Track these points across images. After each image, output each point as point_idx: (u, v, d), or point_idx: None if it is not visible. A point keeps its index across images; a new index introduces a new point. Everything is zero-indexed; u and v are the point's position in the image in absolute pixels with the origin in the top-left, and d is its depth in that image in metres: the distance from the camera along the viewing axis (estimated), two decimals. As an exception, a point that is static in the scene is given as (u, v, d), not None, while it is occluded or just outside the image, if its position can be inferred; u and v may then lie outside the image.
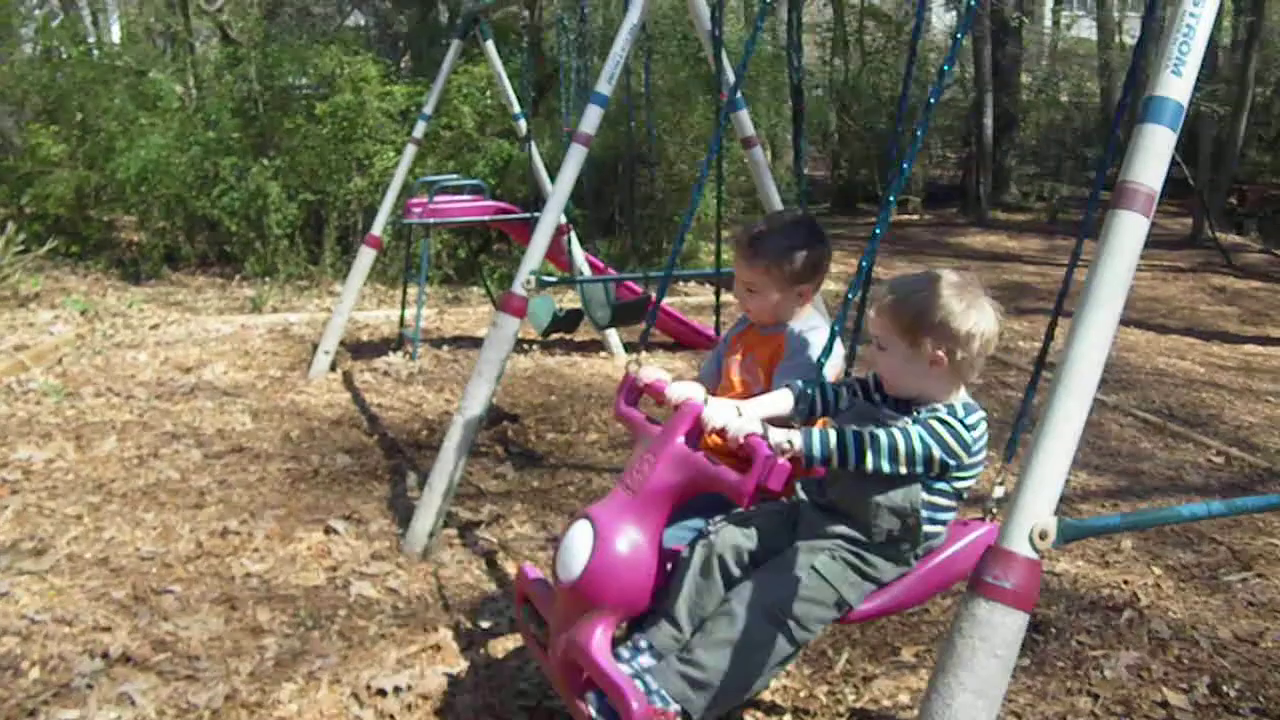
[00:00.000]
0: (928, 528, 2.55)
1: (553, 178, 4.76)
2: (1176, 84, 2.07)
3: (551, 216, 4.23)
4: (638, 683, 2.36)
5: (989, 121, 20.21)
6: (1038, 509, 2.00)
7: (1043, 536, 2.01)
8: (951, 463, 2.46)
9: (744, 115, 4.93)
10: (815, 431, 2.41)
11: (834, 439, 2.40)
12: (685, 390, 2.66)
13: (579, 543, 2.44)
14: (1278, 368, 9.85)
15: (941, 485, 2.54)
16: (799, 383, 2.70)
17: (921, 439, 2.42)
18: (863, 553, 2.55)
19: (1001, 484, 2.61)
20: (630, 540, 2.43)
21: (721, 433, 2.42)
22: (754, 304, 3.03)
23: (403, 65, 15.27)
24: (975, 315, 2.50)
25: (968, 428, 2.48)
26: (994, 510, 2.67)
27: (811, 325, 3.02)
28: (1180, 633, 3.89)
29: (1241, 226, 19.82)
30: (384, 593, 4.07)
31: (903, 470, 2.43)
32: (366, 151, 11.37)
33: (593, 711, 2.41)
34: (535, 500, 5.11)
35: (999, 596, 2.00)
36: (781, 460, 2.27)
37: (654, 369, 2.91)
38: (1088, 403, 2.03)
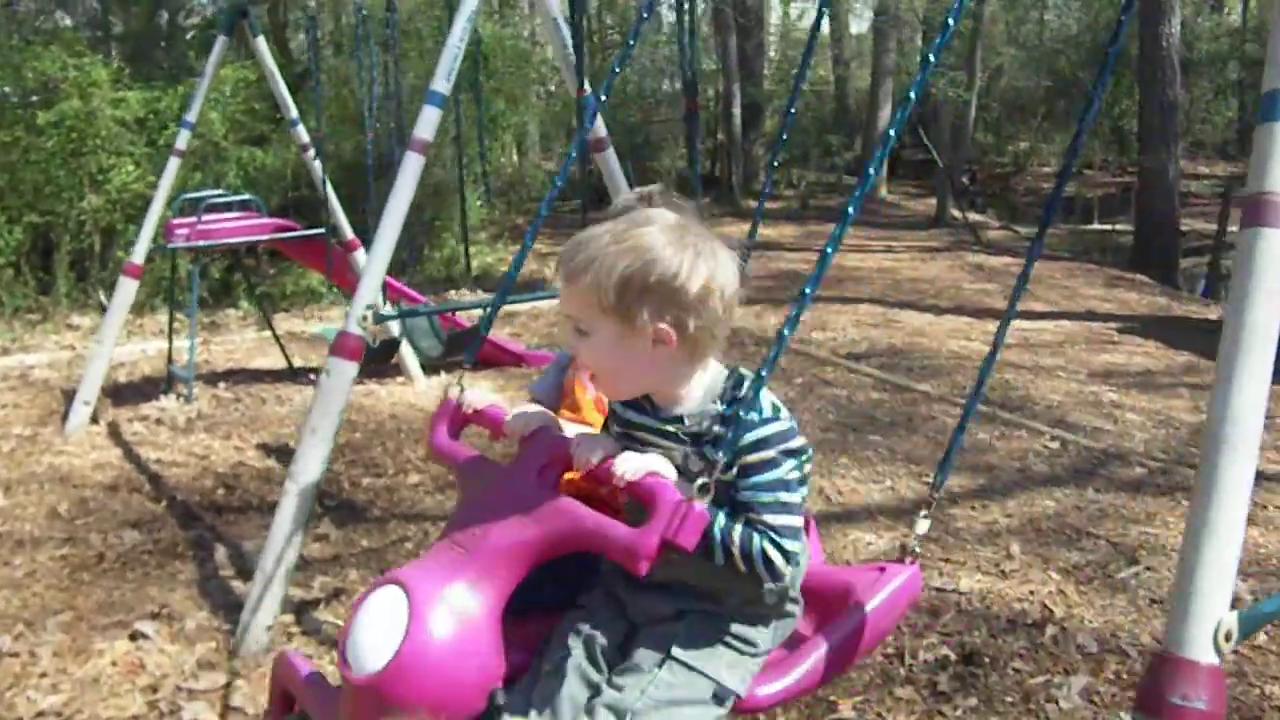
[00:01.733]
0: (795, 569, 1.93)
1: (310, 188, 4.05)
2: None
3: (388, 238, 3.60)
4: None
5: (737, 111, 20.51)
6: (1216, 603, 1.61)
7: (1228, 638, 1.61)
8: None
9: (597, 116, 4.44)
10: (732, 524, 1.78)
11: (751, 541, 1.77)
12: (533, 418, 2.00)
13: (383, 619, 1.72)
14: (1053, 341, 10.29)
15: None
16: (734, 522, 1.82)
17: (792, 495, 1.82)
18: (723, 625, 1.90)
19: (926, 517, 2.16)
20: (459, 614, 1.71)
21: (598, 472, 1.80)
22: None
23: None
24: (705, 265, 1.78)
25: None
26: (915, 549, 2.14)
27: None
28: (1106, 644, 3.73)
29: (975, 204, 21.01)
30: (228, 715, 3.33)
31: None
32: (100, 165, 10.09)
33: None
34: (371, 564, 4.45)
35: None
36: (698, 506, 1.66)
37: (481, 392, 2.25)
38: (1254, 463, 1.65)
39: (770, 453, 1.78)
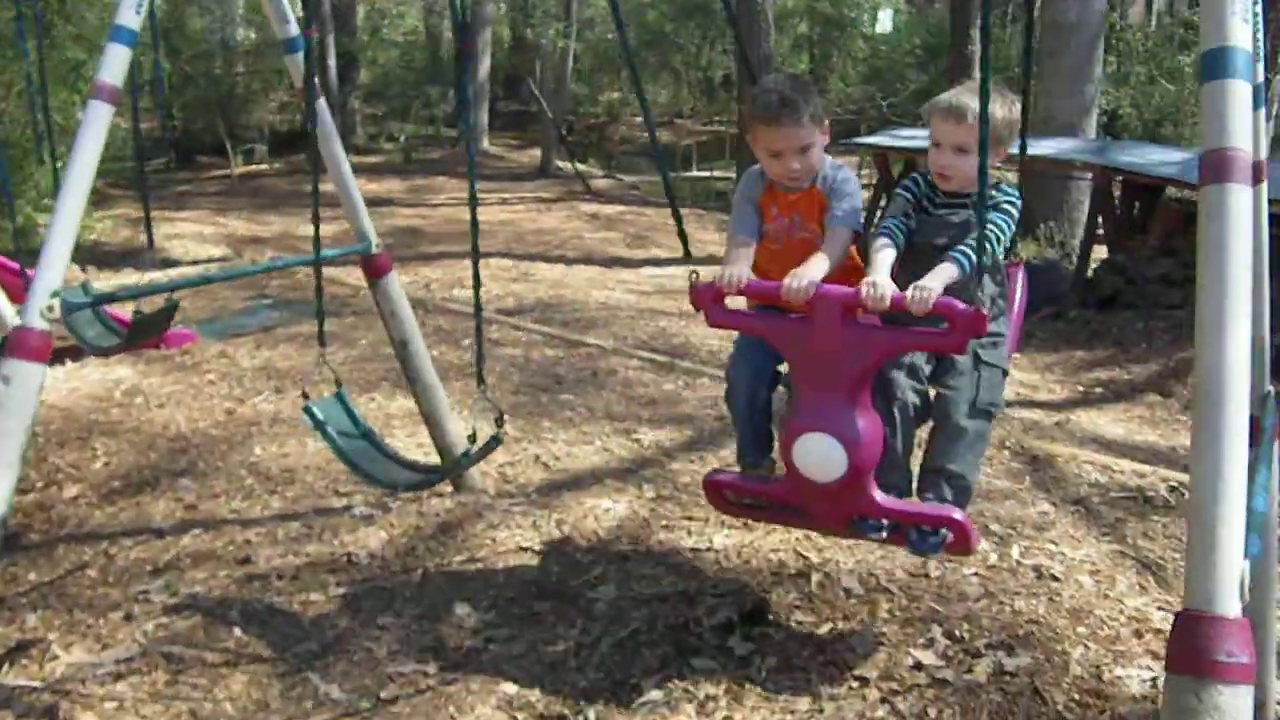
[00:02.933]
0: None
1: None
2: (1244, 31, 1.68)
3: (72, 208, 2.88)
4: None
5: (332, 63, 19.45)
6: (1235, 556, 1.54)
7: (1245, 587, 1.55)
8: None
9: (299, 60, 3.81)
10: (961, 256, 2.76)
11: (969, 259, 2.71)
12: (807, 281, 2.69)
13: (828, 453, 2.68)
14: (678, 288, 10.60)
15: None
16: (960, 255, 2.77)
17: (1007, 223, 2.94)
18: (989, 329, 2.72)
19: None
20: (866, 424, 2.71)
21: (894, 307, 2.62)
22: (810, 161, 3.02)
23: None
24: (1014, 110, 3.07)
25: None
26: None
27: (834, 165, 3.09)
28: (869, 584, 3.78)
29: (574, 155, 21.28)
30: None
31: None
32: None
33: (914, 536, 2.90)
34: (54, 602, 3.68)
35: (1240, 676, 1.51)
36: (983, 310, 2.51)
37: (735, 268, 2.86)
38: (1247, 410, 1.59)
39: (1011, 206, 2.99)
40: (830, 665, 3.28)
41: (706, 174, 22.28)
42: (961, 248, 2.81)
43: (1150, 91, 18.79)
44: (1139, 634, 3.55)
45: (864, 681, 3.20)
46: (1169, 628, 3.50)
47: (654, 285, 10.82)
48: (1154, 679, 3.26)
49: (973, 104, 2.77)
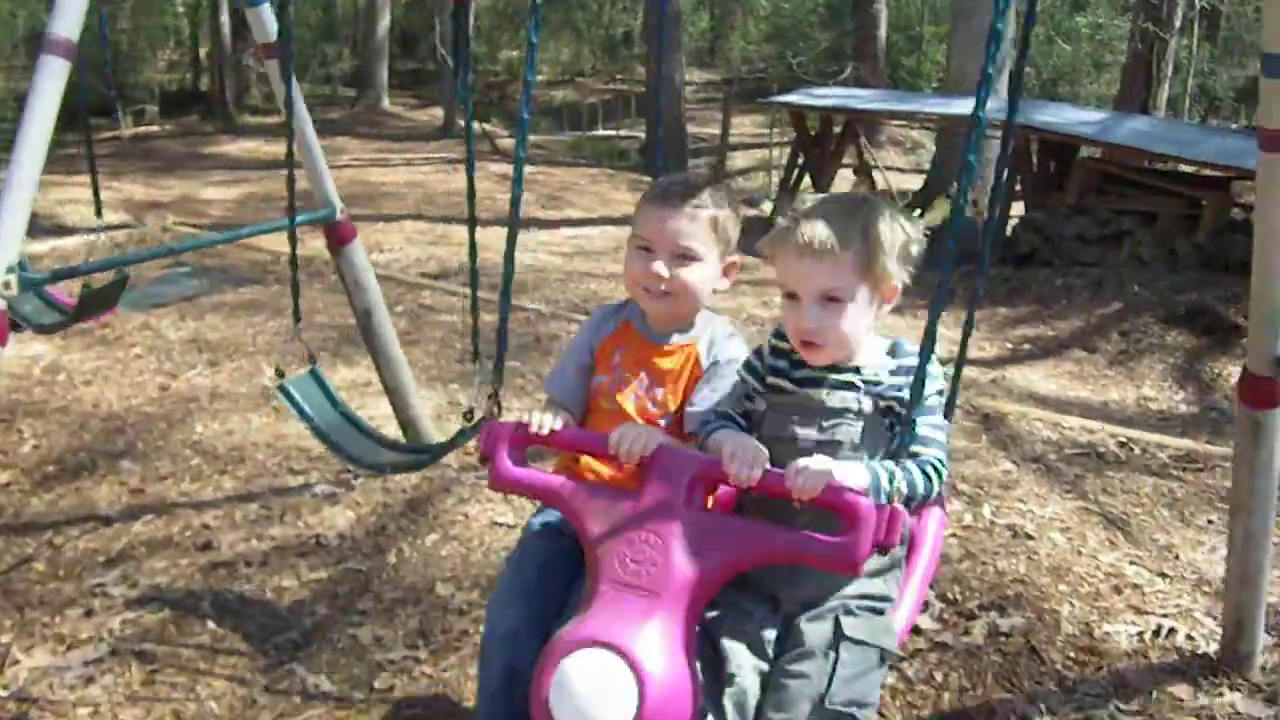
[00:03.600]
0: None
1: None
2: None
3: (29, 174, 2.65)
4: None
5: (226, 19, 18.71)
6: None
7: None
8: None
9: (265, 12, 3.56)
10: (884, 472, 1.86)
11: (907, 480, 1.88)
12: (645, 434, 1.95)
13: (609, 689, 1.69)
14: (609, 247, 10.54)
15: None
16: (881, 471, 1.87)
17: (945, 433, 2.03)
18: (866, 589, 2.02)
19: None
20: (676, 668, 1.75)
21: (767, 486, 1.82)
22: (677, 281, 2.18)
23: None
24: (909, 228, 2.01)
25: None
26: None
27: (727, 332, 2.30)
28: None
29: (478, 114, 20.92)
30: None
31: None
32: None
33: None
34: (1, 601, 3.43)
35: None
36: (898, 506, 1.77)
37: (548, 412, 2.12)
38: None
39: (937, 397, 2.03)
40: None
41: (613, 133, 22.16)
42: (895, 468, 1.87)
43: (1049, 51, 19.19)
44: (1118, 590, 3.60)
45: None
46: (1140, 584, 3.62)
47: (574, 247, 10.70)
48: (1140, 633, 3.31)
49: (839, 232, 1.91)
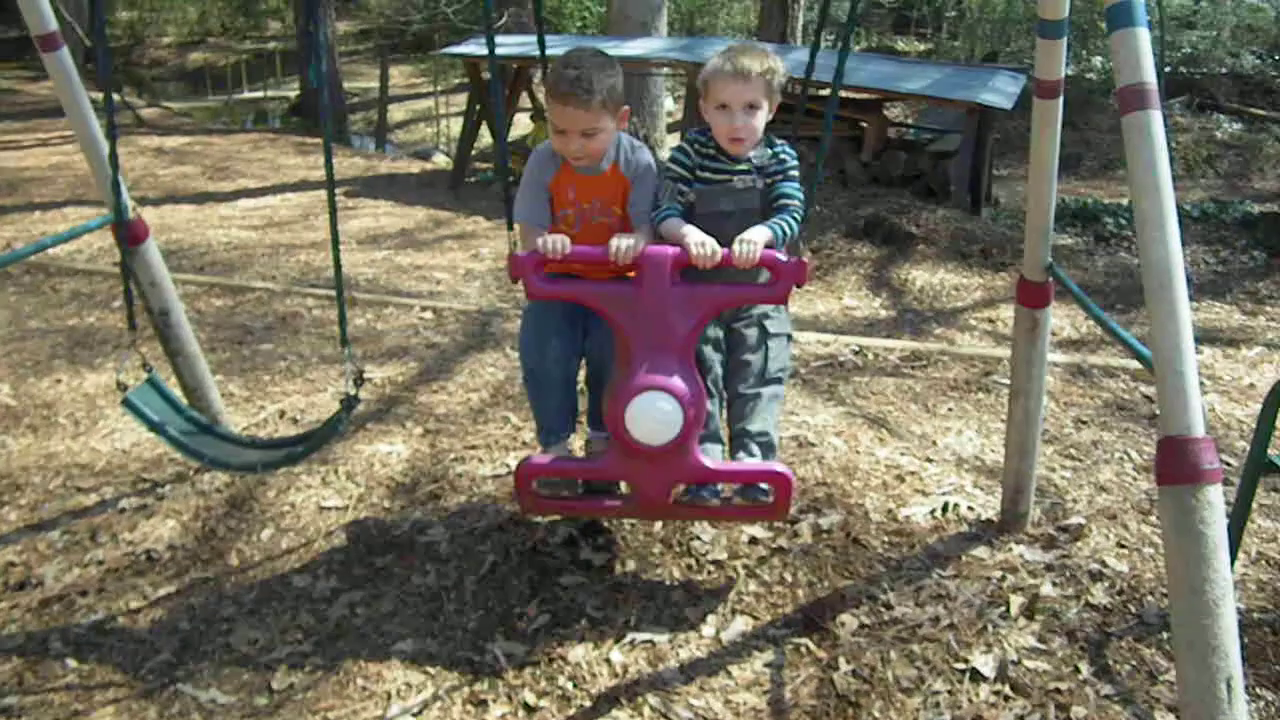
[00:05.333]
0: None
1: None
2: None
3: None
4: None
5: None
6: (1195, 390, 1.93)
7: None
8: None
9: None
10: (777, 226, 2.87)
11: (789, 225, 2.91)
12: (631, 241, 2.78)
13: (665, 412, 2.71)
14: (297, 216, 10.21)
15: None
16: (776, 226, 2.87)
17: (801, 184, 3.04)
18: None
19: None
20: (695, 382, 2.77)
21: (723, 261, 2.75)
22: (594, 146, 2.94)
23: None
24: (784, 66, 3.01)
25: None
26: None
27: (633, 146, 3.05)
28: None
29: (122, 87, 19.26)
30: None
31: None
32: None
33: (739, 499, 2.93)
34: None
35: (1218, 477, 1.93)
36: (802, 258, 2.77)
37: (553, 236, 2.81)
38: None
39: (794, 169, 3.05)
40: (683, 556, 3.54)
41: (260, 94, 21.07)
42: (779, 220, 2.89)
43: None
44: (900, 479, 4.13)
45: (719, 564, 3.50)
46: (915, 470, 4.17)
47: (262, 219, 10.25)
48: (932, 511, 3.85)
49: (759, 63, 2.86)
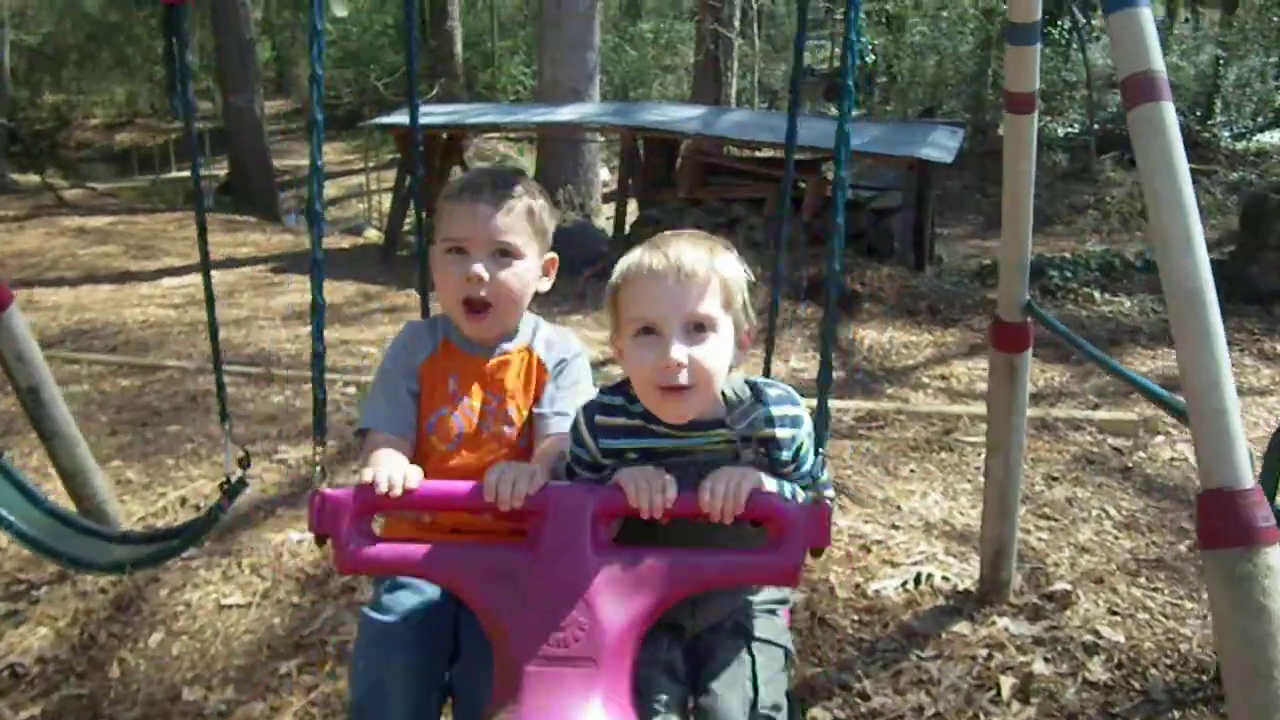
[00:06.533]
0: None
1: None
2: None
3: None
4: None
5: None
6: (1241, 438, 1.61)
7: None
8: None
9: None
10: (781, 483, 1.74)
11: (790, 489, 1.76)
12: (523, 471, 1.65)
13: None
14: (220, 294, 9.76)
15: None
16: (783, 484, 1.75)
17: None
18: (765, 594, 1.95)
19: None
20: None
21: (680, 509, 1.61)
22: (507, 281, 1.95)
23: None
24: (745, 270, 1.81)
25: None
26: None
27: (558, 329, 2.12)
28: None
29: (25, 166, 18.79)
30: None
31: None
32: None
33: None
34: None
35: (1275, 536, 1.59)
36: (825, 504, 1.62)
37: (391, 466, 1.69)
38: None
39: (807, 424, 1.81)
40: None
41: (187, 174, 20.53)
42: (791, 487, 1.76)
43: (617, 58, 20.16)
44: (866, 549, 3.77)
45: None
46: (882, 539, 3.81)
47: (184, 297, 9.82)
48: (903, 583, 3.49)
49: (709, 257, 1.72)
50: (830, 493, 1.74)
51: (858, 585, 3.49)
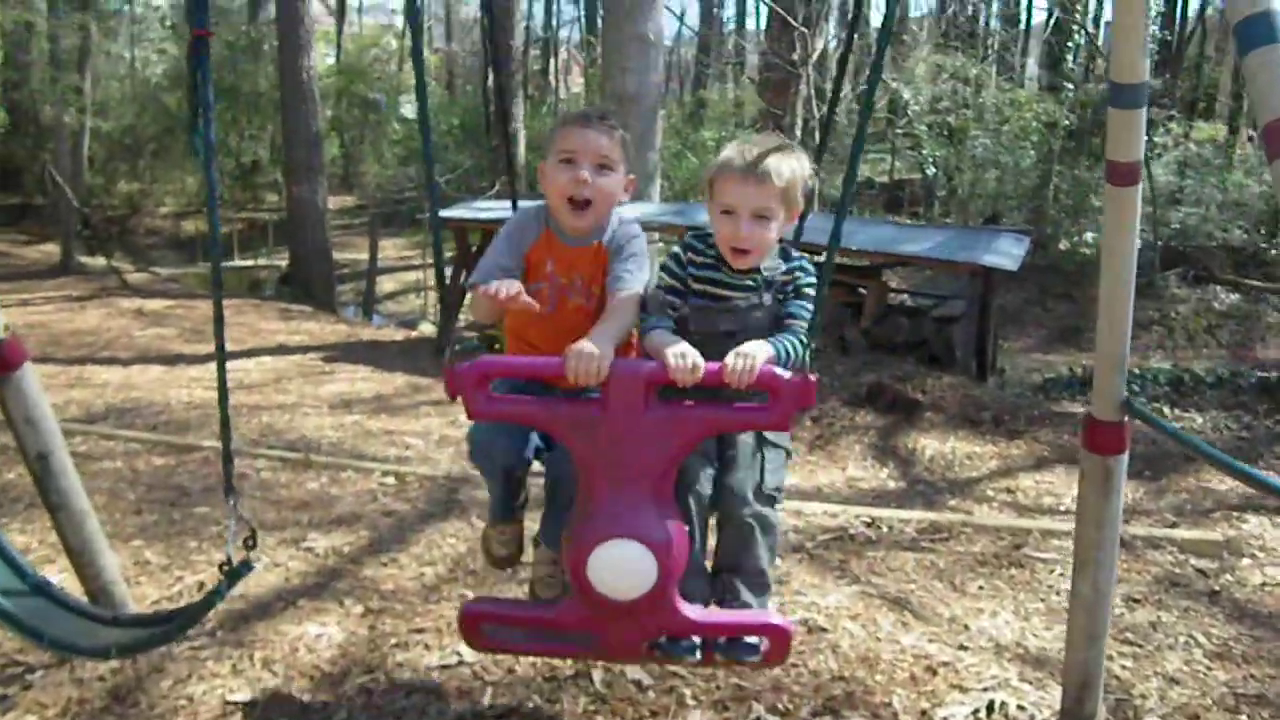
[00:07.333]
0: None
1: None
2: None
3: None
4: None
5: None
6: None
7: None
8: None
9: None
10: (779, 344, 2.33)
11: (792, 347, 2.35)
12: (596, 357, 2.18)
13: (635, 564, 2.19)
14: (269, 379, 9.72)
15: None
16: (779, 345, 2.33)
17: (815, 313, 2.43)
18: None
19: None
20: (674, 524, 2.23)
21: (708, 379, 2.20)
22: (604, 188, 2.53)
23: None
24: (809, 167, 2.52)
25: None
26: None
27: (625, 220, 2.62)
28: (653, 672, 3.36)
29: (102, 249, 19.04)
30: None
31: None
32: None
33: (722, 655, 2.39)
34: None
35: None
36: (811, 376, 2.22)
37: (503, 282, 2.31)
38: None
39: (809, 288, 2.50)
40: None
41: (250, 263, 20.89)
42: (784, 339, 2.35)
43: (677, 164, 20.23)
44: (931, 670, 3.44)
45: None
46: (949, 660, 3.47)
47: (233, 381, 9.67)
48: (974, 712, 3.15)
49: (779, 164, 2.38)
50: (802, 346, 2.35)
51: (924, 712, 3.15)
